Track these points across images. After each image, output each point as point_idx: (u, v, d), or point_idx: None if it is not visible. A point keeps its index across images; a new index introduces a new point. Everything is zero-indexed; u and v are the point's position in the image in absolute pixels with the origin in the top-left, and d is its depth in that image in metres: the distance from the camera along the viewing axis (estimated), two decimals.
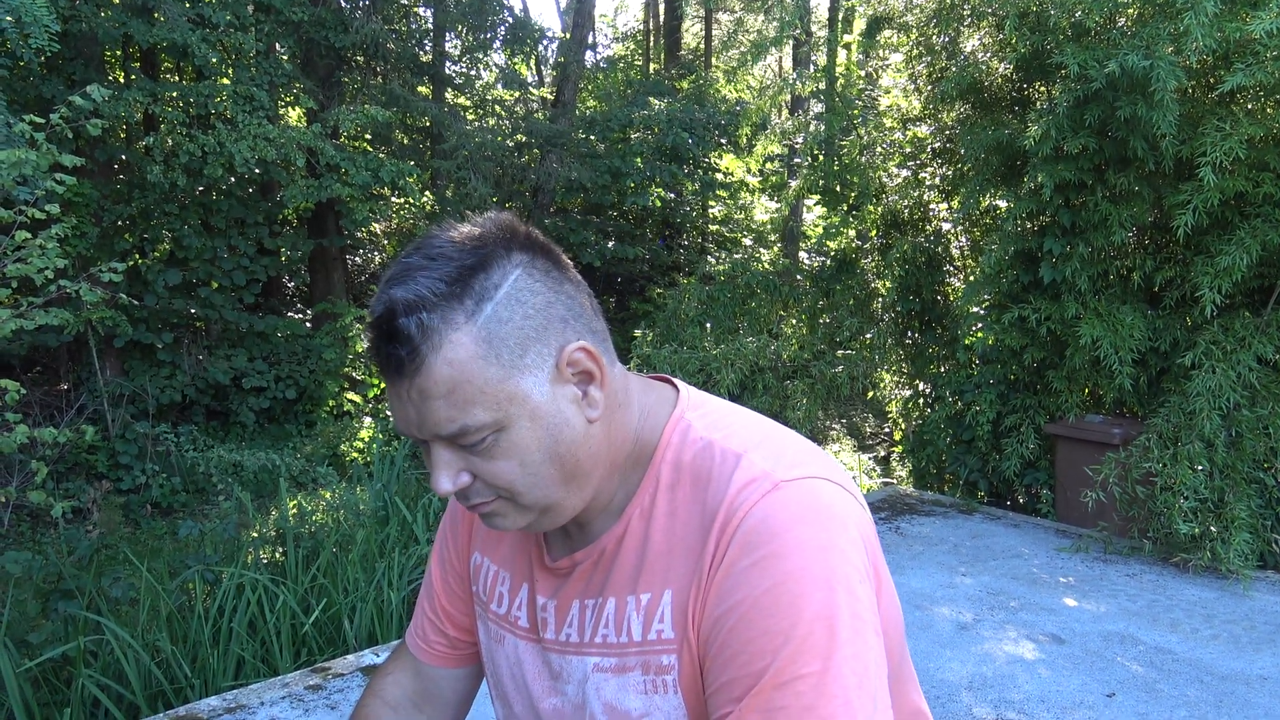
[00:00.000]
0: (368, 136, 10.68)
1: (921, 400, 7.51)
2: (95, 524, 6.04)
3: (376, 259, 13.35)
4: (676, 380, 0.97)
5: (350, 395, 9.32)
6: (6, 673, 3.84)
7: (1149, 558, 5.16)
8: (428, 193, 9.55)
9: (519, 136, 11.60)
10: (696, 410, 0.93)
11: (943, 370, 7.11)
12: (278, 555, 5.31)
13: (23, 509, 6.80)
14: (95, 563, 5.06)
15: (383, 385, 8.90)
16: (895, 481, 8.05)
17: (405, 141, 11.86)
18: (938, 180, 7.32)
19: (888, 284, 7.26)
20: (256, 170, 7.75)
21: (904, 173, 7.49)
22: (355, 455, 7.99)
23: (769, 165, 12.73)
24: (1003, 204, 6.46)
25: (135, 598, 4.62)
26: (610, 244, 11.66)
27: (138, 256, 7.92)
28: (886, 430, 9.08)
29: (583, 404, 0.85)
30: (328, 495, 5.87)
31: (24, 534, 6.42)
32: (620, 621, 0.88)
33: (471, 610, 1.08)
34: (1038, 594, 4.70)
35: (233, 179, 8.32)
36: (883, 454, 9.48)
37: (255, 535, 5.51)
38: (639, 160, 11.25)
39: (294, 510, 5.51)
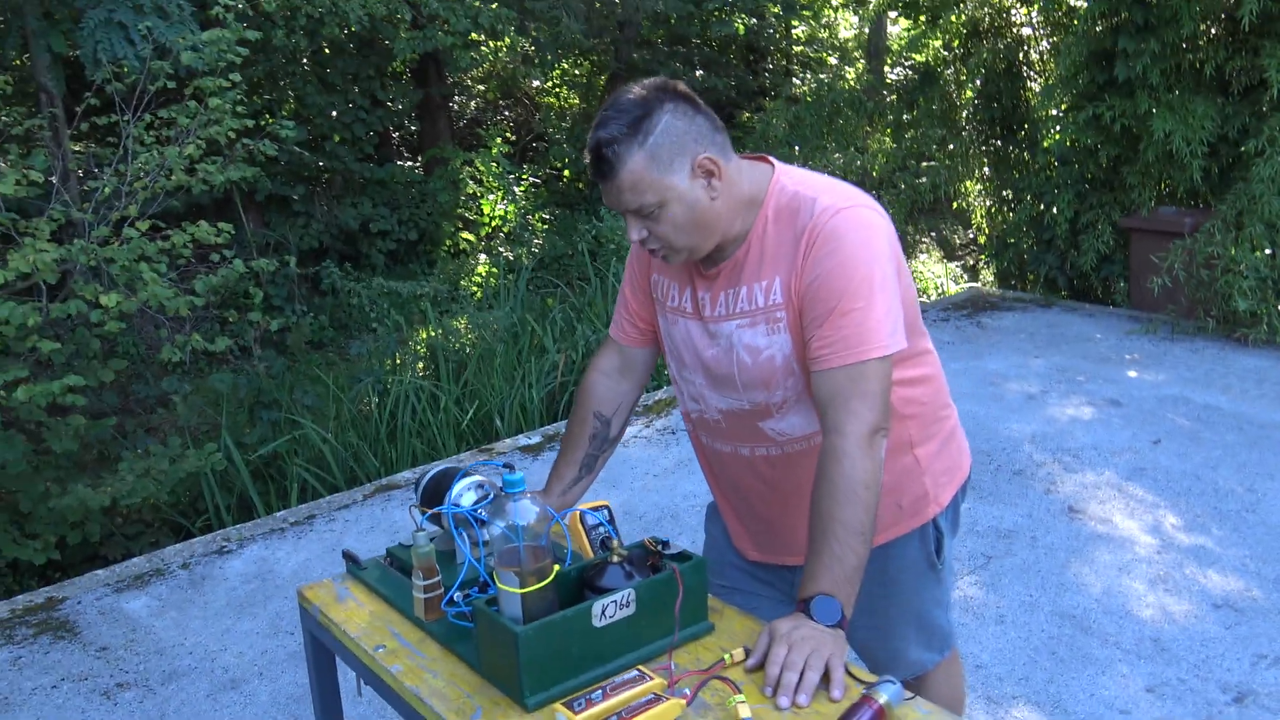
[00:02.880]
0: None
1: (1005, 206, 7.85)
2: (292, 347, 7.04)
3: (472, 105, 13.84)
4: (771, 158, 1.61)
5: (465, 235, 10.06)
6: (239, 462, 4.80)
7: (1212, 335, 5.60)
8: (521, 36, 9.91)
9: None
10: (787, 176, 1.59)
11: (1022, 174, 7.43)
12: (430, 371, 6.17)
13: (195, 349, 7.79)
14: (285, 381, 6.00)
15: (494, 224, 9.67)
16: (980, 285, 8.47)
17: None
18: None
19: (969, 93, 7.51)
20: (366, 26, 8.27)
21: None
22: (475, 289, 8.77)
23: None
24: (1081, 4, 6.61)
25: (322, 407, 5.54)
26: (698, 73, 11.88)
27: (268, 116, 8.64)
28: (975, 239, 9.43)
29: (709, 189, 1.49)
30: (462, 321, 6.65)
31: (201, 369, 7.40)
32: (750, 297, 1.56)
33: (652, 310, 1.78)
34: (1103, 369, 5.23)
35: (344, 35, 8.86)
36: (971, 263, 9.86)
37: (411, 354, 6.38)
38: None
39: (440, 332, 6.33)
